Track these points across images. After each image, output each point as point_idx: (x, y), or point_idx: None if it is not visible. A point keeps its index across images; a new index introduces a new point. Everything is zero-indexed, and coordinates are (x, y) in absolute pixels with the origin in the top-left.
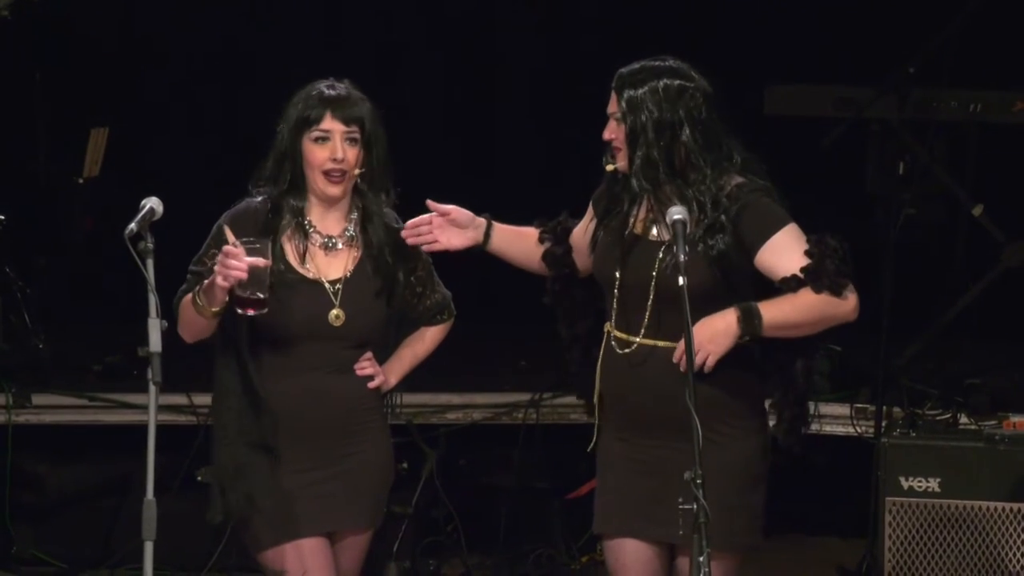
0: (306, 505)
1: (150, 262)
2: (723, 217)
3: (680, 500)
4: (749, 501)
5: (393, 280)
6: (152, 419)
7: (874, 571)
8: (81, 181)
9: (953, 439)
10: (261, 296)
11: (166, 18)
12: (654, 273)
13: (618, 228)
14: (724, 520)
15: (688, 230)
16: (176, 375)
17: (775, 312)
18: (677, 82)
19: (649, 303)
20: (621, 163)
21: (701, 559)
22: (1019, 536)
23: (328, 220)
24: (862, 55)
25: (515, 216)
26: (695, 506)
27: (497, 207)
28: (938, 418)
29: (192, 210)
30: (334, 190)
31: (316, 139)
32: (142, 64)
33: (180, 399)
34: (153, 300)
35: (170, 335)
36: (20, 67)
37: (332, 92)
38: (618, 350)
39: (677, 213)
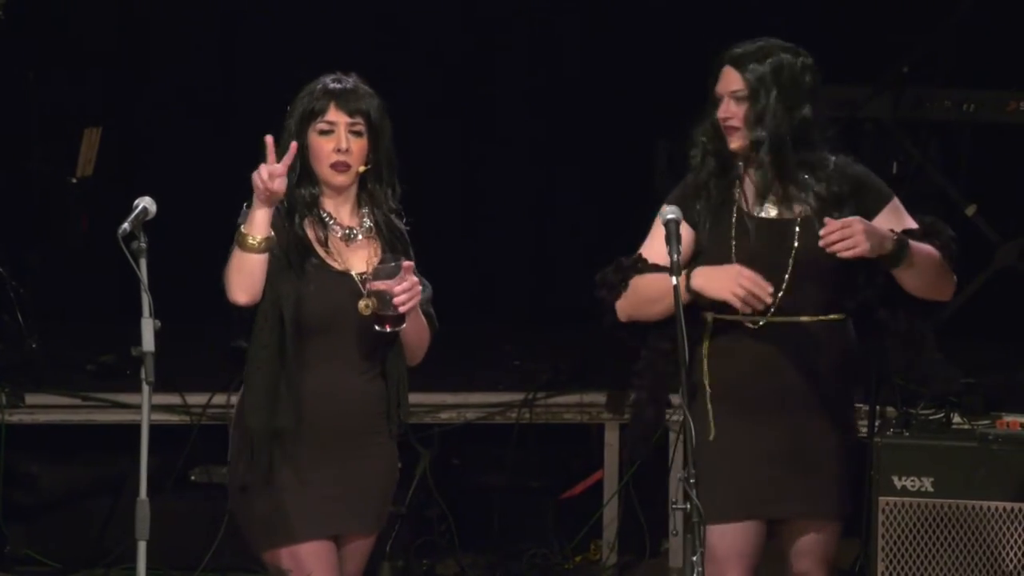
0: (314, 507)
1: (143, 261)
2: (838, 189)
3: (673, 501)
4: (852, 473)
5: None
6: (145, 419)
7: (868, 571)
8: (75, 180)
9: (946, 439)
10: (400, 312)
11: (161, 16)
12: (794, 249)
13: (737, 214)
14: (837, 489)
15: (812, 208)
16: (169, 375)
17: (916, 252)
18: (800, 60)
19: (784, 282)
20: (738, 142)
21: (695, 559)
22: (1013, 535)
23: (342, 213)
24: (856, 54)
25: (510, 219)
26: (688, 506)
27: (494, 211)
28: (931, 418)
29: (186, 209)
30: (340, 179)
31: (321, 131)
32: (136, 63)
33: (173, 399)
34: (146, 299)
35: (163, 335)
36: (13, 66)
37: (337, 85)
38: (740, 333)
39: (670, 213)
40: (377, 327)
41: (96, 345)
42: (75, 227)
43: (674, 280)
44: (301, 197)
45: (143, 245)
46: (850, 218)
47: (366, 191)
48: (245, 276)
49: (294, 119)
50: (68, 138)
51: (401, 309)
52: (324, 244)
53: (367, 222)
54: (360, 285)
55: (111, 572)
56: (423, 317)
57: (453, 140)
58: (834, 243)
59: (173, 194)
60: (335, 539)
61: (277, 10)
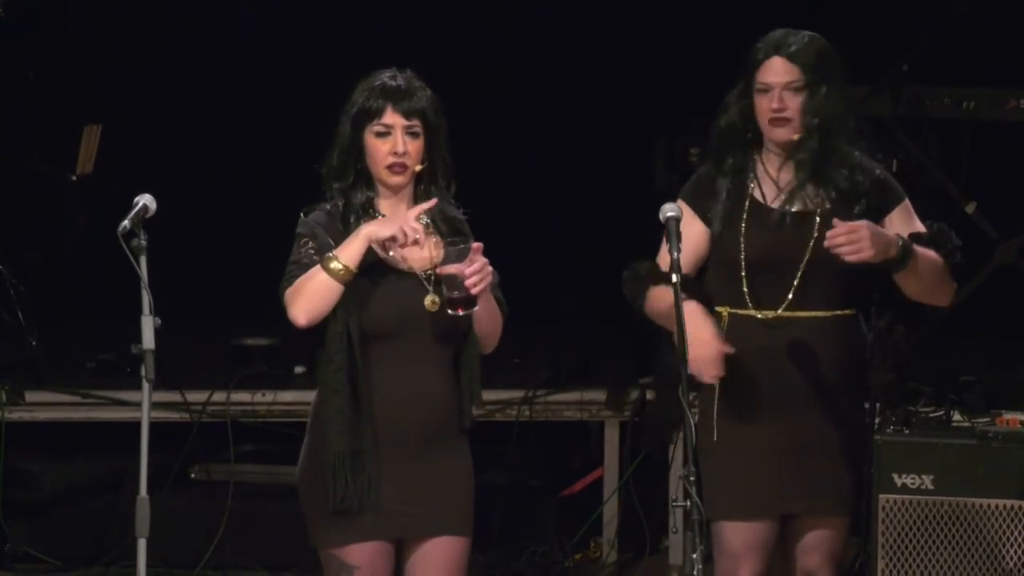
0: (383, 509)
1: (143, 259)
2: (859, 184)
3: (674, 499)
4: (860, 472)
5: None
6: (145, 416)
7: (868, 569)
8: (74, 178)
9: (947, 436)
10: (471, 294)
11: (160, 15)
12: (813, 240)
13: (751, 208)
14: (846, 485)
15: (841, 201)
16: (169, 372)
17: (921, 256)
18: (836, 53)
19: (799, 275)
20: (788, 135)
21: (695, 556)
22: (1013, 533)
23: (398, 212)
24: (856, 52)
25: (510, 218)
26: (688, 503)
27: (495, 214)
28: (931, 415)
29: (186, 207)
30: (397, 179)
31: (378, 133)
32: (135, 61)
33: (173, 396)
34: (146, 297)
35: (164, 332)
36: (13, 64)
37: (393, 83)
38: (751, 328)
39: (671, 210)
40: (450, 311)
41: (96, 343)
42: (75, 225)
43: (674, 278)
44: (356, 199)
45: (143, 242)
46: (858, 222)
47: (421, 189)
48: (317, 300)
49: (349, 117)
50: (68, 136)
51: (473, 291)
52: (383, 245)
53: (424, 218)
54: (425, 282)
55: (111, 570)
56: (494, 301)
57: (450, 138)
58: (840, 246)
59: (173, 192)
60: (398, 542)
61: (278, 8)
